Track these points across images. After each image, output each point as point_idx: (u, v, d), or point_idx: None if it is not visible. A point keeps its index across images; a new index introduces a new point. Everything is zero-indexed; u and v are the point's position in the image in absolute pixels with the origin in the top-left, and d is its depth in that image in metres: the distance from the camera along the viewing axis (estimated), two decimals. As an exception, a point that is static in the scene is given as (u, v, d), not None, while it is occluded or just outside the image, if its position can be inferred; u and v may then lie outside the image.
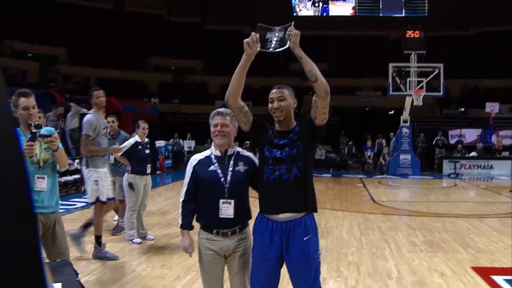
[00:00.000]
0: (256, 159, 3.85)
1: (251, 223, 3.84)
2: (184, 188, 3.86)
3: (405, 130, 22.84)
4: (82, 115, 7.32)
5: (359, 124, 29.88)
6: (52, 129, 4.69)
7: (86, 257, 7.08)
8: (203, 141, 24.16)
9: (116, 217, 9.32)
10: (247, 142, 23.59)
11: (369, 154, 24.42)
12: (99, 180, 7.03)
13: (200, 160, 3.85)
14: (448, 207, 12.74)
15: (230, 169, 3.76)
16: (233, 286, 3.87)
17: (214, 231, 3.75)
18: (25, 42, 32.25)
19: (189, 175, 3.84)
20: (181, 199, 3.87)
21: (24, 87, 5.48)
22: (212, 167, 3.77)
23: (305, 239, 3.54)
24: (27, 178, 0.73)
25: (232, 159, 3.81)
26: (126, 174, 8.29)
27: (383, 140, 24.97)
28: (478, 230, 9.47)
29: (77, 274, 3.56)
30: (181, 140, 26.90)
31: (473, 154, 24.26)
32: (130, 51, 36.63)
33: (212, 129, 3.81)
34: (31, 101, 4.44)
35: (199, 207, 3.85)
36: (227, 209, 3.69)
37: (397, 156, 22.79)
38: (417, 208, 12.61)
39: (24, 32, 32.10)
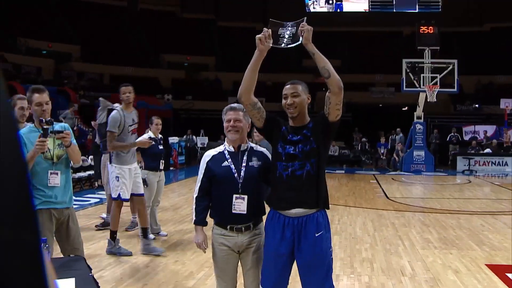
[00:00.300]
0: (269, 154, 3.82)
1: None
2: (198, 184, 3.86)
3: (418, 126, 22.71)
4: (110, 110, 7.21)
5: (373, 120, 29.77)
6: (66, 125, 4.70)
7: (99, 253, 7.12)
8: (216, 138, 24.17)
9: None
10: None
11: (382, 151, 24.31)
12: (120, 177, 7.01)
13: (213, 156, 3.84)
14: (462, 204, 12.66)
15: (244, 164, 3.75)
16: (247, 282, 3.86)
17: (228, 227, 3.75)
18: (40, 40, 32.52)
19: (203, 171, 3.84)
20: (195, 195, 3.86)
21: (39, 84, 5.51)
22: (225, 163, 3.76)
23: (317, 235, 3.51)
24: (27, 178, 0.73)
25: (246, 154, 3.79)
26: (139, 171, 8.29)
27: (397, 137, 24.84)
28: (492, 227, 9.41)
29: (90, 269, 3.58)
30: (194, 137, 26.97)
31: (487, 150, 24.09)
32: (143, 48, 36.78)
33: (225, 124, 3.79)
34: (45, 97, 4.46)
35: (213, 203, 3.84)
36: (240, 204, 3.68)
37: (410, 152, 22.67)
38: (431, 204, 12.54)
39: (38, 29, 32.36)
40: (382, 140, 24.65)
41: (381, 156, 24.23)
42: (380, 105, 33.78)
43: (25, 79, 26.67)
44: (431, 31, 22.36)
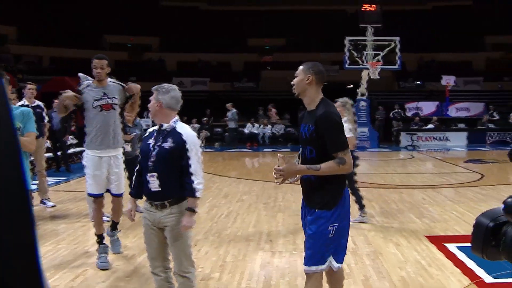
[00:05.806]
0: (191, 137, 3.83)
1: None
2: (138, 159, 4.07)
3: (362, 103, 23.01)
4: None
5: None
6: (26, 110, 4.57)
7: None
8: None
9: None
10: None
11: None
12: (86, 166, 5.66)
13: (149, 132, 4.00)
14: (405, 179, 12.93)
15: (158, 144, 3.82)
16: (173, 258, 3.97)
17: (149, 202, 3.89)
18: (-28, 21, 31.30)
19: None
20: (136, 168, 4.04)
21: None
22: (149, 140, 3.89)
23: (317, 210, 3.57)
24: (25, 182, 0.73)
25: (164, 134, 3.86)
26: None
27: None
28: (433, 200, 9.63)
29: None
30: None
31: (429, 126, 24.68)
32: (85, 29, 35.84)
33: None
34: None
35: None
36: (153, 182, 3.80)
37: (355, 129, 22.94)
38: (374, 180, 12.71)
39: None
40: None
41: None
42: (325, 83, 33.99)
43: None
44: (374, 9, 22.62)
